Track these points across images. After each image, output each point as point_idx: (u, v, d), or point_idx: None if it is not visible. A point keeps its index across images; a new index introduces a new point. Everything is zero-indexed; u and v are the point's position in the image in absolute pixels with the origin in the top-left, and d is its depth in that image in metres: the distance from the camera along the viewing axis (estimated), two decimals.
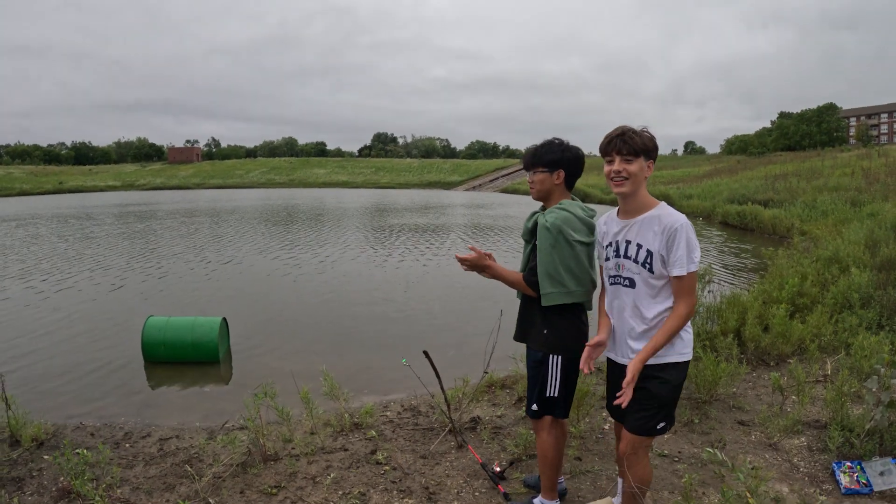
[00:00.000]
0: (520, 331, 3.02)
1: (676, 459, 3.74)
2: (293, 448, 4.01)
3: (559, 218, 2.74)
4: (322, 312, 8.84)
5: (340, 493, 3.42)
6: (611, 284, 2.65)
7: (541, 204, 2.96)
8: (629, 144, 2.43)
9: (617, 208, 2.64)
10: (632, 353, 2.54)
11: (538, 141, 2.93)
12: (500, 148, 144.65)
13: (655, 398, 2.51)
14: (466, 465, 3.74)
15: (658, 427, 2.56)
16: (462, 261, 2.84)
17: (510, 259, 12.89)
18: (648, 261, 2.49)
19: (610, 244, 2.62)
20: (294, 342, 7.37)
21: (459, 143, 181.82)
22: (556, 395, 2.87)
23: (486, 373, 4.63)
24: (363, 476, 3.62)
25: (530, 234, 2.90)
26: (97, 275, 12.12)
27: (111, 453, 4.01)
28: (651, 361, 2.47)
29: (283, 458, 3.86)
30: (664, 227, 2.45)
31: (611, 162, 2.47)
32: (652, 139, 2.48)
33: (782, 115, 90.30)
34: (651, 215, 2.51)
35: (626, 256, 2.55)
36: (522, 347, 3.05)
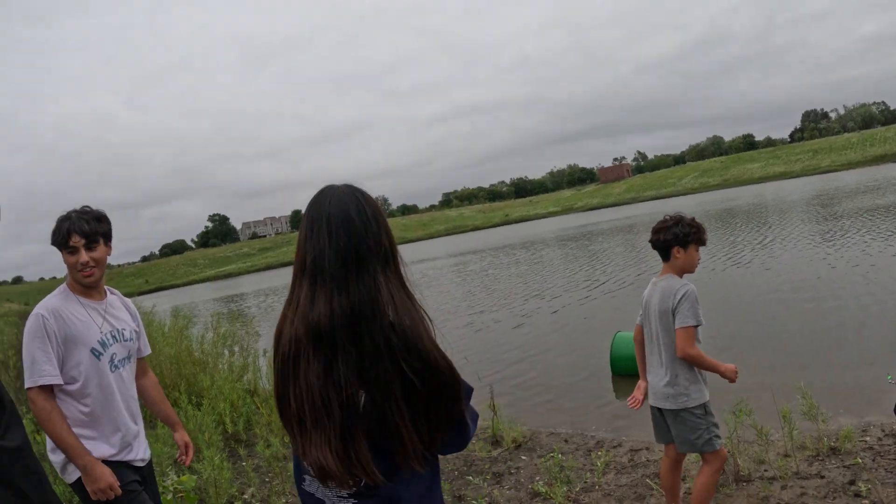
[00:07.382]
0: None
1: None
2: (766, 470, 4.02)
3: None
4: (790, 321, 8.35)
5: None
6: None
7: None
8: None
9: None
10: None
11: None
12: None
13: None
14: None
15: None
16: None
17: None
18: None
19: None
20: (764, 355, 7.11)
21: None
22: None
23: None
24: None
25: None
26: (557, 297, 13.92)
27: (583, 460, 4.53)
28: None
29: (755, 479, 3.90)
30: None
31: None
32: None
33: None
34: None
35: None
36: None
